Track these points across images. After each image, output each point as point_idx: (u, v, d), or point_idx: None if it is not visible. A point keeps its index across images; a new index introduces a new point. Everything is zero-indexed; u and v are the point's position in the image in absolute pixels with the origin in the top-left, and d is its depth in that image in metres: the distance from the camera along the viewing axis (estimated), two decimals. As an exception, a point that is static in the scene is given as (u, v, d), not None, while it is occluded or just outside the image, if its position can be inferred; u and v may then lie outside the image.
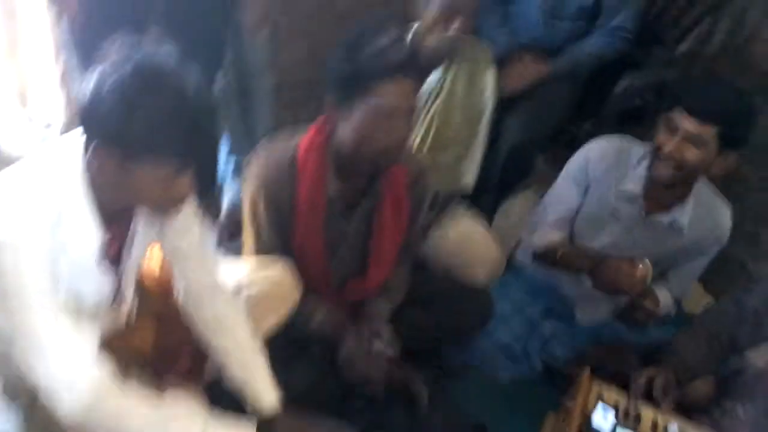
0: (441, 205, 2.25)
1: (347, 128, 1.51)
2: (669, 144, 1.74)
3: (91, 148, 1.13)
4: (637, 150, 1.94)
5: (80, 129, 1.17)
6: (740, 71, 2.46)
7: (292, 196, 1.60)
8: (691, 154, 1.73)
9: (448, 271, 2.19)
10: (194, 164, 1.18)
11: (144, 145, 1.11)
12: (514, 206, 2.72)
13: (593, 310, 2.11)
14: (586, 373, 1.78)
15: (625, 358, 2.01)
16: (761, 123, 1.75)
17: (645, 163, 1.89)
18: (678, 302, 2.12)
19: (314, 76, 2.75)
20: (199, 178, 1.86)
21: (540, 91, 2.28)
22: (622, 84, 2.31)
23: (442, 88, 2.10)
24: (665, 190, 1.88)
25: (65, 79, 2.06)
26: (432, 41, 1.99)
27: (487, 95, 2.16)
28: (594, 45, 2.30)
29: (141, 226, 1.36)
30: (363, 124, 1.48)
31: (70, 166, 1.20)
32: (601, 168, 1.96)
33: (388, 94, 1.45)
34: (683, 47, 2.42)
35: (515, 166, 2.29)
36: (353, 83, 1.46)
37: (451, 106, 2.12)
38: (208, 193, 2.15)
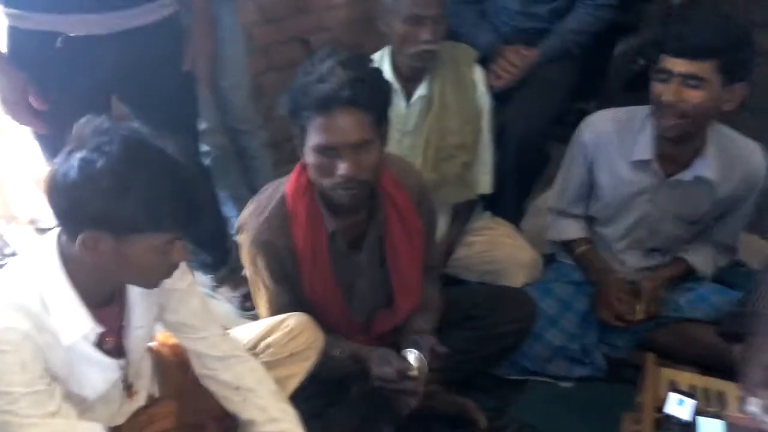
0: (462, 217, 2.18)
1: (308, 166, 1.46)
2: (666, 92, 1.63)
3: (80, 238, 1.10)
4: (638, 115, 1.83)
5: (60, 220, 1.14)
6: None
7: (290, 244, 1.54)
8: (693, 97, 1.62)
9: (482, 283, 2.11)
10: (189, 230, 1.17)
11: (140, 221, 1.10)
12: (544, 202, 2.61)
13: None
14: (651, 358, 1.63)
15: (695, 334, 1.85)
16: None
17: (649, 125, 1.77)
18: (732, 251, 1.98)
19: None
20: (197, 240, 1.83)
21: (534, 78, 2.18)
22: (619, 49, 2.18)
23: (430, 100, 2.04)
24: (678, 146, 1.75)
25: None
26: (404, 58, 1.94)
27: (479, 94, 2.09)
28: (576, 20, 2.20)
29: (136, 310, 1.32)
30: (311, 163, 1.42)
31: (48, 262, 1.18)
32: (601, 146, 1.87)
33: (322, 130, 1.37)
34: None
35: (528, 159, 2.17)
36: (294, 122, 1.41)
37: (444, 115, 2.04)
38: (217, 259, 2.18)
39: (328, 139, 1.37)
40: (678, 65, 1.60)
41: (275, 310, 1.61)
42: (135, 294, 1.31)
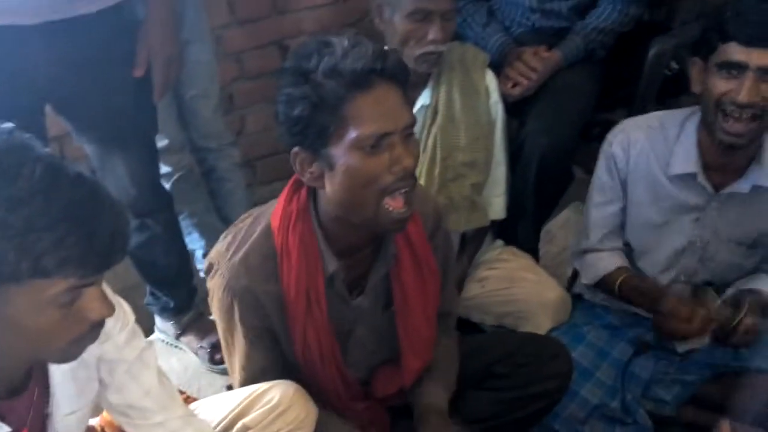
0: (472, 248, 1.87)
1: (332, 186, 1.11)
2: (740, 90, 1.33)
3: None
4: (673, 119, 1.55)
5: None
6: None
7: (276, 291, 1.20)
8: None
9: (501, 327, 1.79)
10: (96, 270, 0.80)
11: (9, 263, 0.73)
12: (558, 227, 2.33)
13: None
14: (725, 426, 1.32)
15: (764, 388, 1.54)
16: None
17: (691, 131, 1.49)
18: None
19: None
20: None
21: (555, 85, 1.88)
22: (652, 52, 1.89)
23: (436, 110, 1.73)
24: (730, 152, 1.45)
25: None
26: (407, 60, 1.62)
27: (492, 104, 1.78)
28: (601, 18, 1.91)
29: (64, 391, 0.96)
30: (351, 170, 1.07)
31: None
32: (634, 157, 1.59)
33: (367, 116, 1.05)
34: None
35: (551, 179, 1.86)
36: (317, 118, 1.06)
37: (451, 128, 1.73)
38: (180, 302, 1.80)
39: (383, 125, 1.05)
40: (755, 57, 1.32)
41: (252, 375, 1.27)
42: (60, 370, 0.95)
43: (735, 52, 1.34)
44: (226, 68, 2.23)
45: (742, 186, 1.48)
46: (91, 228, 0.77)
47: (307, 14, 2.36)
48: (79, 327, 0.83)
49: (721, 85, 1.37)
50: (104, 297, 0.83)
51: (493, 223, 1.89)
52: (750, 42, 1.32)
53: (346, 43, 1.06)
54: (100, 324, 0.86)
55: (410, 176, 1.10)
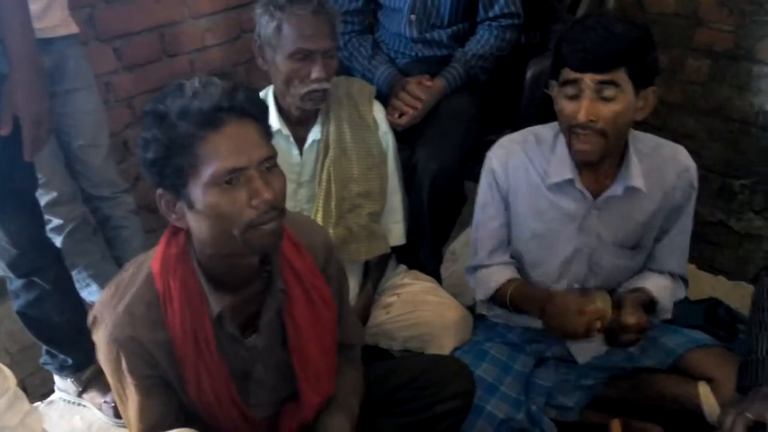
0: (375, 275, 1.91)
1: (197, 225, 1.12)
2: (580, 111, 1.42)
3: None
4: (547, 132, 1.63)
5: None
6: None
7: (163, 337, 1.19)
8: (609, 110, 1.42)
9: (407, 351, 1.82)
10: None
11: None
12: (461, 246, 2.40)
13: (587, 343, 1.66)
14: (617, 426, 1.38)
15: (654, 385, 1.62)
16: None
17: (563, 142, 1.57)
18: (685, 281, 1.75)
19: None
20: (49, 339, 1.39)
21: (441, 111, 1.95)
22: (529, 74, 1.99)
23: (327, 144, 1.77)
24: (599, 162, 1.54)
25: None
26: (292, 100, 1.66)
27: (382, 134, 1.83)
28: (479, 44, 1.99)
29: None
30: (211, 207, 1.08)
31: None
32: (513, 170, 1.64)
33: (220, 154, 1.06)
34: (579, 15, 2.13)
35: (444, 202, 1.92)
36: (171, 159, 1.07)
37: (343, 160, 1.77)
38: (78, 359, 1.75)
39: (235, 160, 1.06)
40: (587, 79, 1.40)
41: (149, 426, 1.24)
42: None
43: (570, 75, 1.43)
44: (118, 114, 2.20)
45: (616, 189, 1.56)
46: None
47: (197, 56, 2.36)
48: None
49: (566, 107, 1.45)
50: None
51: (395, 249, 1.93)
52: (580, 67, 1.40)
53: (196, 84, 1.07)
54: None
55: (273, 208, 1.11)
